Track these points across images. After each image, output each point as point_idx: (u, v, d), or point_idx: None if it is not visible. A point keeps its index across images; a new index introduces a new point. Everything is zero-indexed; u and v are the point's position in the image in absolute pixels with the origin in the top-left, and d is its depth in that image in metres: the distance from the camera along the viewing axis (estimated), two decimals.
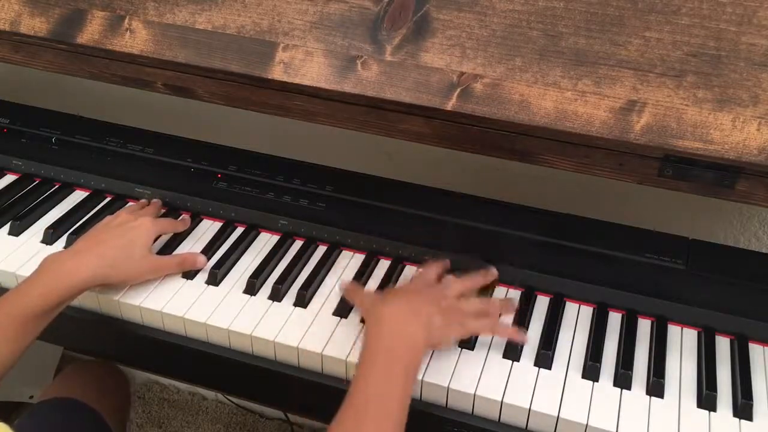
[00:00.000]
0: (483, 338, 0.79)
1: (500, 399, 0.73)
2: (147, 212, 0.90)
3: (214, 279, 0.86)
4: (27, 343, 0.75)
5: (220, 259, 0.88)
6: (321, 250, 0.91)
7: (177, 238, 0.92)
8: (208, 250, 0.90)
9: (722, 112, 0.69)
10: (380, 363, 0.68)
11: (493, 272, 0.83)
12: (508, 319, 0.81)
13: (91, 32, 0.86)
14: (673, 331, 0.81)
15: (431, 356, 0.77)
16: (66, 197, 0.99)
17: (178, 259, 0.87)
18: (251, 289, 0.85)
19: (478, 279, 0.81)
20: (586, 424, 0.71)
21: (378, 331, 0.70)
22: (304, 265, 0.89)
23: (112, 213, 0.95)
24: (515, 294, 0.85)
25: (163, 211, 0.95)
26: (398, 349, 0.69)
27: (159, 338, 0.83)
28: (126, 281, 0.83)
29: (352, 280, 0.85)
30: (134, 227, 0.84)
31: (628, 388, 0.75)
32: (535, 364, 0.77)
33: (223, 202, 0.94)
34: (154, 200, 0.95)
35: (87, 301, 0.85)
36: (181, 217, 0.94)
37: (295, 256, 0.90)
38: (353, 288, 0.82)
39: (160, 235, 0.89)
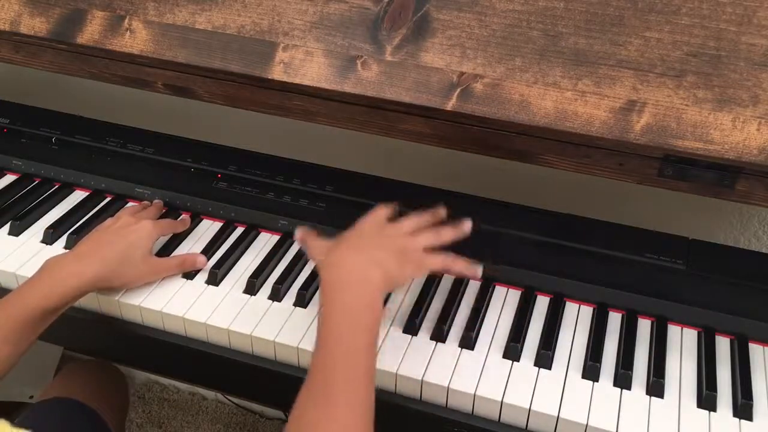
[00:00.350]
0: (483, 338, 0.79)
1: (500, 399, 0.73)
2: (148, 214, 0.90)
3: (214, 279, 0.86)
4: (27, 344, 0.75)
5: (220, 259, 0.88)
6: None
7: (177, 239, 0.92)
8: (208, 250, 0.90)
9: (722, 112, 0.69)
10: (341, 317, 0.67)
11: (441, 211, 0.80)
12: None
13: (91, 32, 0.86)
14: (673, 331, 0.81)
15: (431, 356, 0.77)
16: (66, 197, 0.99)
17: (178, 261, 0.87)
18: (251, 289, 0.85)
19: (426, 216, 0.79)
20: (586, 424, 0.71)
21: (334, 285, 0.69)
22: (304, 265, 0.89)
23: (112, 213, 0.95)
24: (515, 294, 0.85)
25: (163, 211, 0.95)
26: (357, 299, 0.68)
27: (159, 338, 0.83)
28: (127, 284, 0.83)
29: (306, 228, 0.82)
30: (135, 230, 0.84)
31: (628, 388, 0.75)
32: (535, 364, 0.77)
33: (223, 202, 0.94)
34: (156, 201, 0.95)
35: (87, 301, 0.85)
36: (180, 218, 0.94)
37: (295, 256, 0.90)
38: (307, 236, 0.80)
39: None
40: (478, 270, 0.76)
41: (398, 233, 0.75)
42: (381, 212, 0.78)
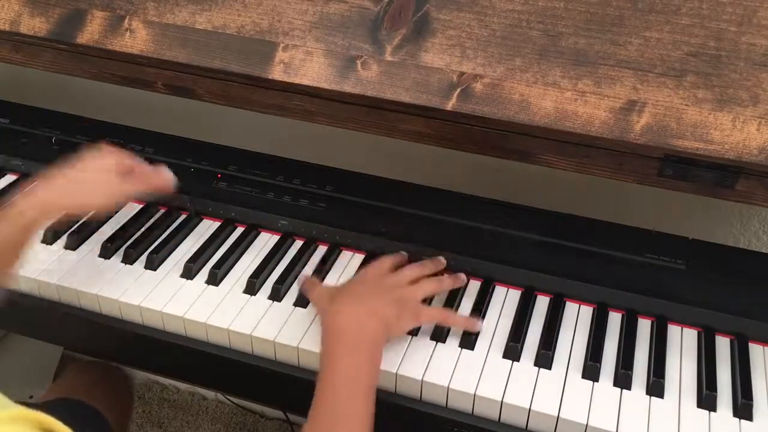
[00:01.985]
0: (483, 338, 0.79)
1: (500, 399, 0.73)
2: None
3: (214, 279, 0.86)
4: (14, 259, 0.76)
5: (220, 259, 0.88)
6: (321, 250, 0.91)
7: (175, 238, 0.91)
8: (207, 249, 0.90)
9: (722, 112, 0.69)
10: (345, 359, 0.69)
11: (442, 260, 0.85)
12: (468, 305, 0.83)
13: (91, 32, 0.86)
14: (673, 331, 0.81)
15: (431, 356, 0.77)
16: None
17: (140, 178, 0.83)
18: (251, 289, 0.85)
19: (428, 265, 0.83)
20: (586, 424, 0.71)
21: (335, 333, 0.72)
22: (304, 265, 0.89)
23: (112, 213, 0.95)
24: (515, 294, 0.85)
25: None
26: (356, 347, 0.71)
27: (159, 338, 0.83)
28: (95, 204, 0.82)
29: (311, 275, 0.85)
30: (98, 158, 0.82)
31: (628, 388, 0.75)
32: (535, 364, 0.77)
33: (223, 202, 0.94)
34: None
35: (87, 301, 0.85)
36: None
37: (295, 256, 0.89)
38: (310, 283, 0.83)
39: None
40: (478, 324, 0.79)
41: (399, 284, 0.79)
42: (384, 262, 0.82)
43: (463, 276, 0.85)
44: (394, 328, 0.75)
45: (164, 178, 0.85)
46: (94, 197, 0.81)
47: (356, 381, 0.68)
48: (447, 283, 0.83)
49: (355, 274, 0.85)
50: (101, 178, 0.82)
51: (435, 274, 0.84)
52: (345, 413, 0.66)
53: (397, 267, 0.82)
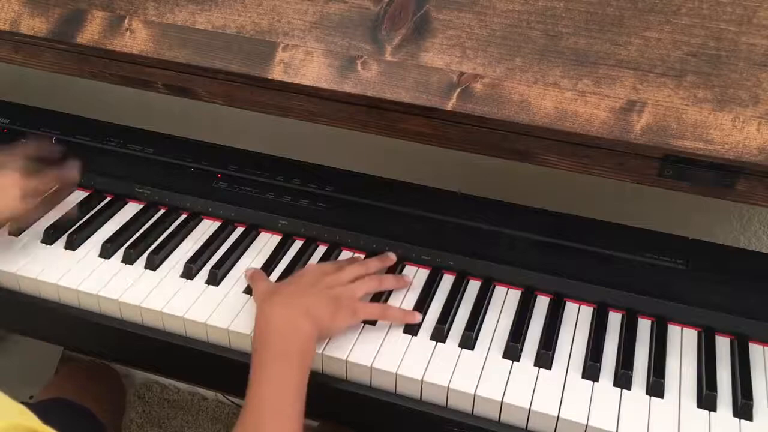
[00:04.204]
0: (483, 338, 0.79)
1: (500, 399, 0.73)
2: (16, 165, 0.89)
3: (214, 279, 0.86)
4: None
5: (220, 259, 0.88)
6: (321, 250, 0.91)
7: (174, 238, 0.91)
8: (207, 249, 0.90)
9: (722, 112, 0.69)
10: (271, 364, 0.70)
11: (391, 257, 0.86)
12: (412, 297, 0.83)
13: (91, 32, 0.86)
14: (673, 331, 0.81)
15: (431, 356, 0.77)
16: (66, 197, 0.99)
17: (50, 177, 0.88)
18: (251, 289, 0.85)
19: (373, 262, 0.84)
20: (586, 424, 0.71)
21: (264, 333, 0.73)
22: (304, 266, 0.89)
23: (112, 213, 0.95)
24: (515, 294, 0.85)
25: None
26: (285, 347, 0.71)
27: (159, 338, 0.83)
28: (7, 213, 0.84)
29: (255, 268, 0.86)
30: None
31: (628, 388, 0.75)
32: (535, 364, 0.77)
33: (223, 202, 0.94)
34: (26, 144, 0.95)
35: (87, 301, 0.85)
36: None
37: (295, 256, 0.90)
38: (258, 276, 0.83)
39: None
40: (417, 316, 0.80)
41: (336, 282, 0.79)
42: (325, 264, 0.83)
43: (407, 278, 0.85)
44: (329, 328, 0.76)
45: (68, 181, 0.89)
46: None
47: (283, 390, 0.69)
48: (389, 281, 0.83)
49: (295, 272, 0.85)
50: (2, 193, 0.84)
51: (390, 271, 0.85)
52: (271, 417, 0.67)
53: (339, 267, 0.82)
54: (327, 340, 0.78)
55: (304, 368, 0.72)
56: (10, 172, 0.86)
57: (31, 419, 0.52)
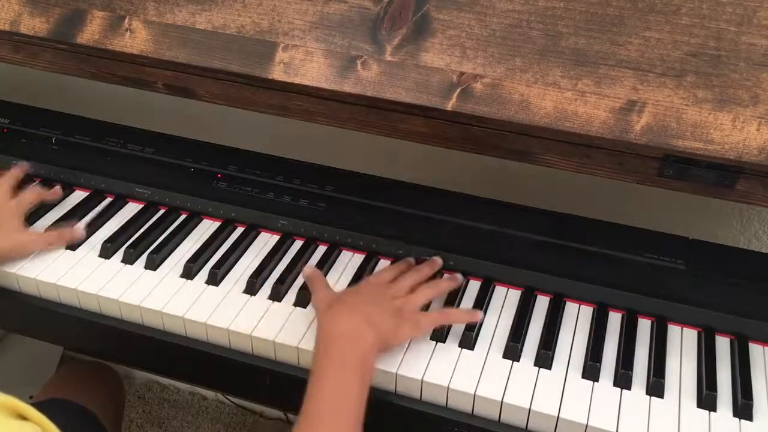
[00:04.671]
0: (483, 338, 0.79)
1: (500, 399, 0.73)
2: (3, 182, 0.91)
3: (214, 279, 0.86)
4: None
5: (220, 259, 0.88)
6: (321, 250, 0.91)
7: (173, 237, 0.91)
8: (207, 249, 0.90)
9: (722, 112, 0.69)
10: (333, 373, 0.69)
11: (438, 261, 0.85)
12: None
13: (91, 32, 0.86)
14: (673, 331, 0.81)
15: (431, 356, 0.77)
16: (66, 197, 0.99)
17: (56, 236, 0.88)
18: (251, 289, 0.85)
19: (425, 269, 0.83)
20: (586, 424, 0.71)
21: (328, 340, 0.72)
22: (304, 265, 0.89)
23: (112, 213, 0.95)
24: (515, 294, 0.85)
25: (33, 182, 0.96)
26: (349, 358, 0.70)
27: (159, 338, 0.83)
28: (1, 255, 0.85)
29: (314, 267, 0.86)
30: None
31: (628, 388, 0.75)
32: (535, 364, 0.77)
33: (223, 202, 0.94)
34: (16, 167, 0.96)
35: (87, 301, 0.85)
36: (53, 189, 0.95)
37: (295, 256, 0.90)
38: (315, 277, 0.82)
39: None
40: (479, 314, 0.80)
41: (397, 294, 0.78)
42: (385, 272, 0.83)
43: (459, 276, 0.85)
44: (391, 339, 0.75)
45: (76, 236, 0.89)
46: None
47: (342, 397, 0.68)
48: (444, 285, 0.83)
49: (354, 284, 0.85)
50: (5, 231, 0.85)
51: (433, 275, 0.84)
52: (329, 427, 0.66)
53: (397, 276, 0.82)
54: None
55: (365, 378, 0.70)
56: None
57: (10, 399, 0.52)
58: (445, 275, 0.86)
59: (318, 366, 0.70)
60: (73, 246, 0.90)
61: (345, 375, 0.69)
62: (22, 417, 0.53)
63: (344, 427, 0.66)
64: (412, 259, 0.87)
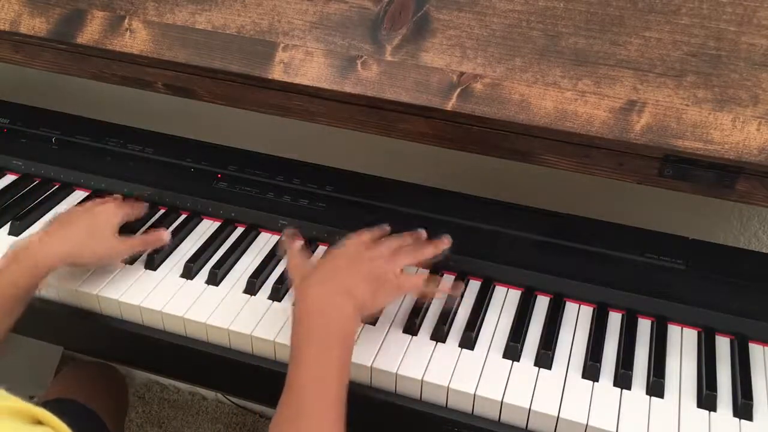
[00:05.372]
0: (483, 338, 0.79)
1: (500, 399, 0.73)
2: (111, 198, 0.91)
3: (214, 279, 0.86)
4: (4, 329, 0.76)
5: (220, 259, 0.88)
6: (321, 250, 0.91)
7: (173, 237, 0.91)
8: (207, 249, 0.90)
9: (722, 112, 0.69)
10: (312, 344, 0.67)
11: (422, 232, 0.82)
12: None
13: (91, 32, 0.86)
14: (673, 331, 0.81)
15: (431, 356, 0.77)
16: (66, 197, 0.99)
17: (141, 240, 0.88)
18: (251, 289, 0.85)
19: (407, 237, 0.80)
20: (586, 424, 0.71)
21: (304, 313, 0.70)
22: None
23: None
24: (515, 294, 0.85)
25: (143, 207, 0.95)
26: (326, 327, 0.68)
27: (159, 338, 0.83)
28: (95, 259, 0.84)
29: (293, 232, 0.85)
30: (99, 210, 0.86)
31: (628, 388, 0.75)
32: (535, 364, 0.77)
33: (223, 202, 0.94)
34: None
35: (87, 301, 0.85)
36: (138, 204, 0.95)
37: None
38: (292, 244, 0.80)
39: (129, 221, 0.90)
40: (460, 285, 0.78)
41: (376, 256, 0.75)
42: (362, 235, 0.79)
43: (446, 240, 0.80)
44: (370, 305, 0.72)
45: (162, 240, 0.89)
46: (92, 257, 0.84)
47: (324, 373, 0.66)
48: (428, 250, 0.79)
49: (332, 248, 0.81)
50: (101, 236, 0.84)
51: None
52: (310, 410, 0.64)
53: (376, 240, 0.79)
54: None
55: (345, 350, 0.68)
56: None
57: (29, 405, 0.52)
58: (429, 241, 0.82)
59: (296, 342, 0.68)
60: None
61: (323, 349, 0.67)
62: (39, 422, 0.53)
63: (328, 400, 0.65)
64: (387, 227, 0.83)
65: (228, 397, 1.58)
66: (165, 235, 0.89)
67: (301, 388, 0.65)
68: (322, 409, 0.65)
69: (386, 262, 0.75)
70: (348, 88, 0.78)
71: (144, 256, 0.88)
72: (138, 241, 0.88)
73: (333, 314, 0.69)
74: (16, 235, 0.92)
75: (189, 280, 0.86)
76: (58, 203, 0.98)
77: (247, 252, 0.91)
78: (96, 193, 0.99)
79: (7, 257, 0.78)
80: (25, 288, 0.76)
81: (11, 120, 1.06)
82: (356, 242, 0.78)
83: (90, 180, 0.99)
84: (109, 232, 0.85)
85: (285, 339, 0.79)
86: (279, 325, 0.80)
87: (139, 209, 0.93)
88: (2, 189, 1.00)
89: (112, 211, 0.87)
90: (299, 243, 0.81)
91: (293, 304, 0.73)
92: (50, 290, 0.86)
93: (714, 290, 0.82)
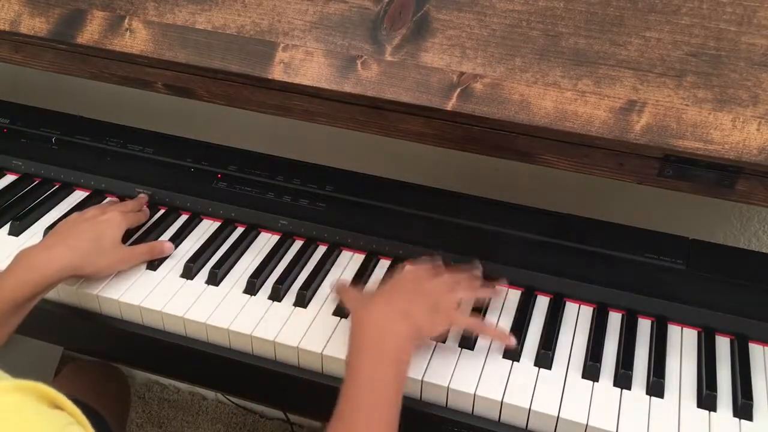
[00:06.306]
0: (483, 338, 0.79)
1: (500, 399, 0.73)
2: (115, 207, 0.91)
3: (214, 279, 0.86)
4: (4, 336, 0.76)
5: (220, 259, 0.88)
6: (321, 250, 0.91)
7: (173, 238, 0.91)
8: (207, 249, 0.90)
9: (722, 112, 0.69)
10: (366, 366, 0.68)
11: (478, 267, 0.84)
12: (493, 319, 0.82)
13: (91, 32, 0.86)
14: (673, 331, 0.81)
15: (431, 356, 0.77)
16: (66, 197, 0.99)
17: (147, 247, 0.88)
18: (251, 289, 0.85)
19: (465, 271, 0.82)
20: (586, 424, 0.71)
21: (361, 333, 0.71)
22: (304, 265, 0.89)
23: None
24: (515, 294, 0.85)
25: (143, 206, 0.95)
26: (382, 347, 0.69)
27: (159, 338, 0.83)
28: (98, 272, 0.84)
29: (344, 280, 0.86)
30: (103, 221, 0.86)
31: (628, 388, 0.75)
32: (535, 364, 0.77)
33: (223, 202, 0.94)
34: (141, 196, 0.96)
35: (87, 301, 0.85)
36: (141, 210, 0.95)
37: (295, 256, 0.90)
38: (344, 288, 0.82)
39: (131, 228, 0.90)
40: (512, 339, 0.78)
41: (435, 288, 0.77)
42: (422, 266, 0.81)
43: (500, 288, 0.84)
44: (426, 331, 0.74)
45: (165, 252, 0.89)
46: (96, 270, 0.83)
47: (379, 389, 0.67)
48: (483, 292, 0.82)
49: (392, 275, 0.83)
50: (106, 249, 0.84)
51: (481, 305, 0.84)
52: (366, 420, 0.65)
53: (433, 272, 0.81)
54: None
55: (400, 372, 0.69)
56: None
57: (41, 385, 0.53)
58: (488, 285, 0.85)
59: (352, 363, 0.69)
60: None
61: (379, 369, 0.68)
62: (56, 406, 0.53)
63: (381, 421, 0.65)
64: (440, 259, 0.85)
65: (228, 397, 1.58)
66: (169, 248, 0.89)
67: (355, 406, 0.66)
68: (376, 416, 0.65)
69: (446, 294, 0.77)
70: (348, 88, 0.78)
71: None
72: (143, 250, 0.88)
73: (389, 335, 0.70)
74: (16, 235, 0.92)
75: (189, 280, 0.86)
76: (58, 203, 0.98)
77: (247, 252, 0.91)
78: (96, 194, 0.99)
79: (13, 263, 0.78)
80: (26, 295, 0.76)
81: (11, 120, 1.06)
82: (416, 271, 0.80)
83: (90, 180, 0.99)
84: (114, 244, 0.85)
85: (285, 339, 0.79)
86: (279, 326, 0.80)
87: (142, 216, 0.93)
88: (2, 189, 1.00)
89: (116, 222, 0.86)
90: (344, 280, 0.84)
91: (349, 330, 0.74)
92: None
93: (714, 290, 0.82)
